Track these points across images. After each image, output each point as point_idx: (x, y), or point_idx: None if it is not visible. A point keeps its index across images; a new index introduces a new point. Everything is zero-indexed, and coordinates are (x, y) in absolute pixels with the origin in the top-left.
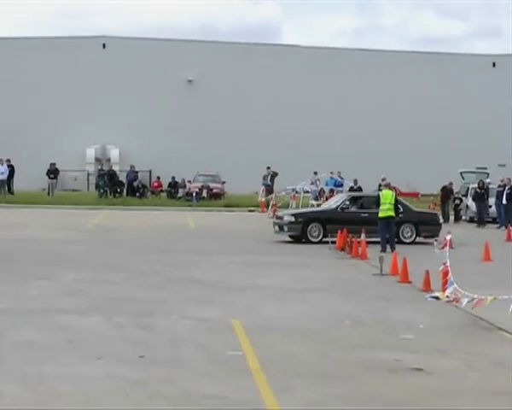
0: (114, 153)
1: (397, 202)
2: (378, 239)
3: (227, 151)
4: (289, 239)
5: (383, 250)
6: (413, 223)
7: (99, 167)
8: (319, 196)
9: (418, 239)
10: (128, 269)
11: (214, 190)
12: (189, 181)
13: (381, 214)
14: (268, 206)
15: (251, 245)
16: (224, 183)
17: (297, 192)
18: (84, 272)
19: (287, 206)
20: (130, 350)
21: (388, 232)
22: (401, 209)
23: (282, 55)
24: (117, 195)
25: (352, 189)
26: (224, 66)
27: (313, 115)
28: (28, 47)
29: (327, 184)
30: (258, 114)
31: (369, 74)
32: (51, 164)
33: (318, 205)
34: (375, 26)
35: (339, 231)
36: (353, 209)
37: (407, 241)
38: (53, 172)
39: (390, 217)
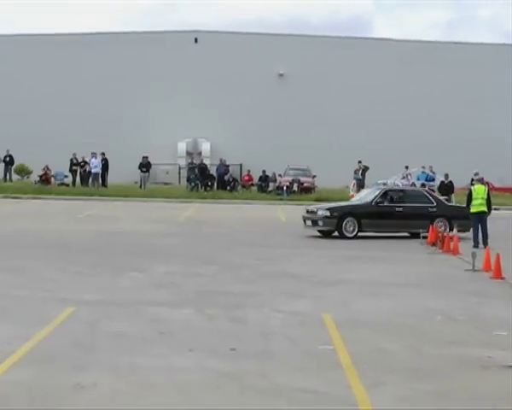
0: (206, 147)
1: (489, 197)
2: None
3: (318, 145)
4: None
5: (476, 246)
6: (446, 217)
7: (189, 161)
8: None
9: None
10: (219, 262)
11: (305, 184)
12: (280, 175)
13: (473, 209)
14: None
15: (341, 239)
16: (314, 177)
17: None
18: (176, 264)
19: None
20: (222, 343)
21: (481, 228)
22: (434, 203)
23: (374, 48)
24: (208, 188)
25: (442, 183)
26: (314, 60)
27: (405, 109)
28: (121, 42)
29: (418, 179)
30: (349, 107)
31: (462, 67)
32: (143, 157)
33: None
34: (467, 18)
35: (430, 226)
36: (388, 203)
37: None
38: (145, 166)
39: (482, 212)
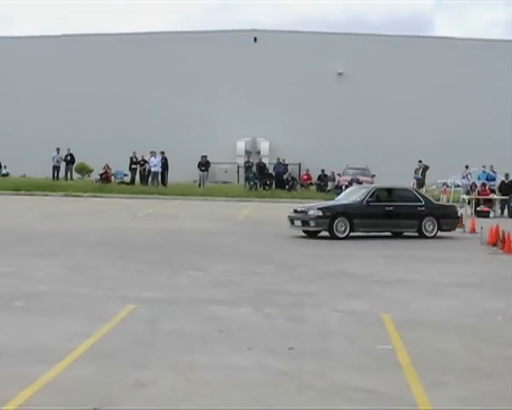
0: (264, 145)
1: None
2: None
3: (377, 144)
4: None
5: None
6: (435, 217)
7: (245, 160)
8: (471, 190)
9: None
10: (277, 261)
11: (364, 184)
12: (339, 174)
13: None
14: None
15: (399, 239)
16: (373, 176)
17: (448, 186)
18: (234, 263)
19: (437, 200)
20: (280, 342)
21: None
22: (423, 202)
23: (435, 47)
24: (266, 187)
25: (503, 183)
26: (374, 58)
27: (466, 108)
28: (181, 41)
29: (479, 179)
30: (409, 106)
31: None
32: (202, 156)
33: (470, 201)
34: None
35: (490, 227)
36: (378, 203)
37: (429, 235)
38: (204, 165)
39: None
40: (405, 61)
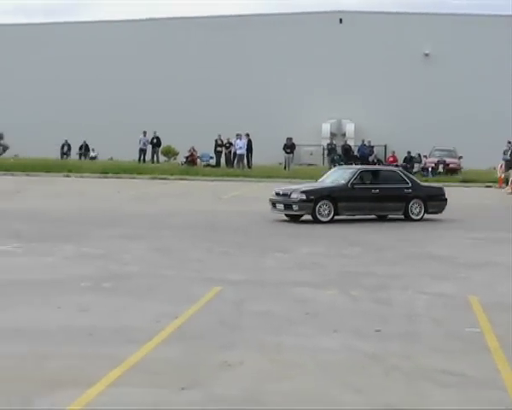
0: (350, 127)
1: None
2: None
3: (465, 125)
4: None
5: None
6: (422, 199)
7: (328, 142)
8: None
9: None
10: (363, 243)
11: (450, 165)
12: (425, 156)
13: None
14: (507, 182)
15: (484, 221)
16: (460, 158)
17: None
18: (320, 245)
19: None
20: (366, 324)
21: None
22: (410, 184)
23: None
24: None
25: None
26: (461, 38)
27: None
28: (266, 23)
29: None
30: (496, 86)
31: None
32: (288, 139)
33: None
34: None
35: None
36: (364, 185)
37: (416, 217)
38: (289, 147)
39: None
40: (492, 40)
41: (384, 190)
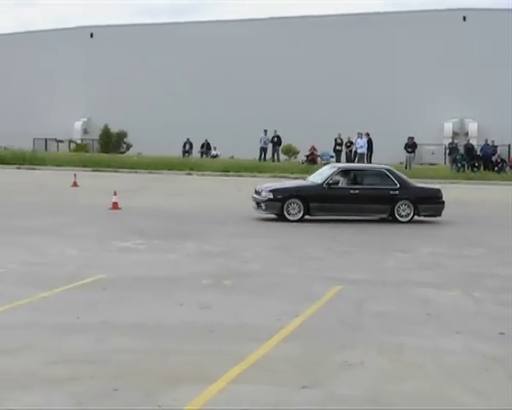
0: (473, 127)
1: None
2: (369, 218)
3: None
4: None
5: None
6: (411, 201)
7: (449, 141)
8: None
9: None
10: (486, 244)
11: None
12: None
13: None
14: None
15: None
16: None
17: None
18: (441, 245)
19: None
20: (489, 326)
21: None
22: (397, 185)
23: None
24: (475, 169)
25: None
26: None
27: None
28: (389, 21)
29: None
30: None
31: None
32: (409, 138)
33: None
34: None
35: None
36: (342, 185)
37: (403, 220)
38: (411, 146)
39: None
40: None
41: (365, 191)
